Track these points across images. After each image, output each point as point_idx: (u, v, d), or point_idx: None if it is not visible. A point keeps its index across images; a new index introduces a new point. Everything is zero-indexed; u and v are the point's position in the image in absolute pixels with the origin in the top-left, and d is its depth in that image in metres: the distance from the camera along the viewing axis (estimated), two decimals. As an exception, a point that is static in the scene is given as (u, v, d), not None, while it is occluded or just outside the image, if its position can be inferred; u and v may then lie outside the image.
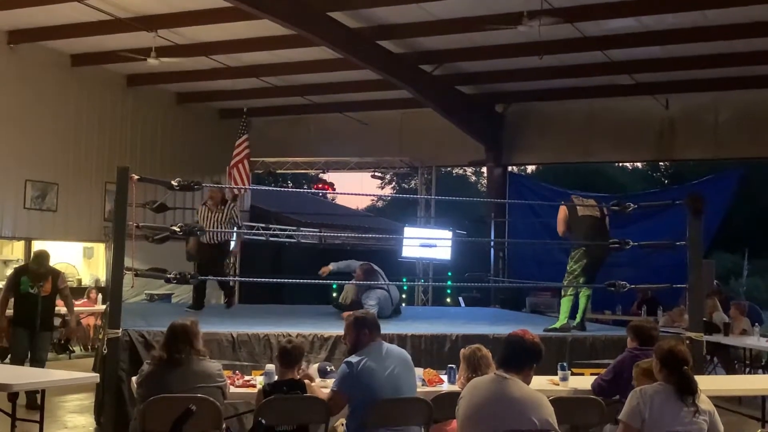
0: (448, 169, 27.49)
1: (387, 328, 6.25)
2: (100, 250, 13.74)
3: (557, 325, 7.60)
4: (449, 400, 4.34)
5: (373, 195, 33.34)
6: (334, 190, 17.36)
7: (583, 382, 5.47)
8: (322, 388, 4.82)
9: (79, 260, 13.96)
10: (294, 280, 8.28)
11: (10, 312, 7.90)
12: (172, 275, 6.49)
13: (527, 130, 14.26)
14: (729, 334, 9.78)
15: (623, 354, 5.25)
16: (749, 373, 9.74)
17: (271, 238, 14.00)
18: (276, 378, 4.78)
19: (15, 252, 12.92)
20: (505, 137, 14.38)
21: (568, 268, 7.81)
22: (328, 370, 5.43)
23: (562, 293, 7.92)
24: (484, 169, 16.27)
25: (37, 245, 11.34)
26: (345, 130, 15.15)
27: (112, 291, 6.27)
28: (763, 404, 6.22)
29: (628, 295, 10.13)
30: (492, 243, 14.44)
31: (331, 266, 9.02)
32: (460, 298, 14.02)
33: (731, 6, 9.57)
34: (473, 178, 31.59)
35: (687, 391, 3.91)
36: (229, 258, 13.18)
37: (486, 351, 4.94)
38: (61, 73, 12.77)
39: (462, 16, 10.26)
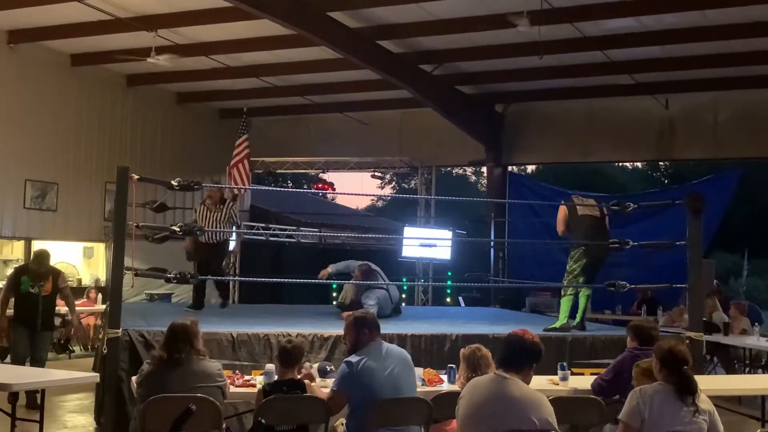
0: (448, 169, 27.50)
1: (387, 327, 6.25)
2: (100, 249, 13.74)
3: (557, 324, 7.59)
4: (449, 399, 4.34)
5: (373, 195, 33.39)
6: (334, 190, 17.31)
7: (582, 381, 5.47)
8: (322, 387, 4.82)
9: (79, 260, 13.97)
10: (294, 280, 8.29)
11: (10, 312, 7.89)
12: (172, 275, 6.48)
13: (527, 129, 14.26)
14: (729, 333, 9.78)
15: (623, 354, 5.25)
16: (749, 372, 9.74)
17: (271, 238, 14.00)
18: (276, 378, 4.79)
19: (15, 252, 12.93)
20: (505, 137, 14.39)
21: (567, 267, 7.81)
22: (328, 369, 5.43)
23: (562, 293, 7.92)
24: (484, 169, 16.28)
25: (37, 245, 11.34)
26: (345, 130, 15.15)
27: (112, 291, 6.27)
28: (762, 404, 6.22)
29: (628, 294, 10.13)
30: (492, 243, 14.45)
31: (330, 269, 8.98)
32: (460, 298, 14.01)
33: (731, 6, 9.58)
34: (473, 178, 31.62)
35: (687, 390, 3.91)
36: (229, 258, 13.23)
37: (486, 351, 4.94)
38: (60, 73, 12.77)
39: (462, 15, 10.27)
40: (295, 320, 7.89)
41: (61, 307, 8.79)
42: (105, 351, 6.09)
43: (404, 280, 12.75)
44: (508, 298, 13.07)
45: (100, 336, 8.42)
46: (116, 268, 6.15)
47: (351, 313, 4.96)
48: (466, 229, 16.41)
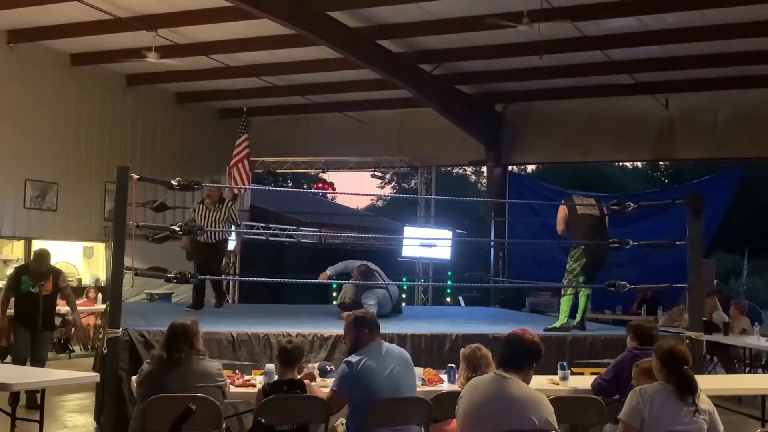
0: (448, 168, 27.50)
1: (387, 327, 6.25)
2: (99, 249, 13.74)
3: (557, 324, 7.59)
4: (449, 399, 4.34)
5: (373, 195, 33.40)
6: (334, 189, 17.34)
7: (582, 381, 5.47)
8: (322, 387, 4.82)
9: (79, 260, 13.97)
10: (294, 280, 8.28)
11: (10, 311, 7.88)
12: (172, 275, 6.48)
13: (527, 129, 14.26)
14: (729, 333, 9.79)
15: (623, 353, 5.25)
16: (749, 372, 9.74)
17: (271, 238, 14.00)
18: (276, 377, 4.79)
19: (15, 251, 12.94)
20: (504, 137, 14.39)
21: (567, 267, 7.80)
22: (328, 369, 5.43)
23: (562, 292, 7.92)
24: (484, 169, 16.28)
25: (37, 245, 11.34)
26: (345, 129, 15.15)
27: (112, 290, 6.27)
28: (762, 403, 6.22)
29: (628, 294, 10.13)
30: (492, 243, 14.45)
31: (329, 271, 8.94)
32: (460, 298, 14.01)
33: (730, 6, 9.58)
34: (473, 177, 31.61)
35: (687, 390, 3.91)
36: (228, 258, 13.22)
37: (486, 350, 4.94)
38: (60, 73, 12.77)
39: (461, 15, 10.27)
40: (295, 320, 7.89)
41: (61, 307, 8.79)
42: (105, 351, 6.09)
43: (404, 280, 12.75)
44: (508, 297, 13.08)
45: (100, 336, 8.43)
46: (116, 267, 6.15)
47: (351, 312, 4.96)
48: (466, 229, 16.43)
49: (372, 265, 8.93)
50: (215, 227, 8.74)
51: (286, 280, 8.78)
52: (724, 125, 13.02)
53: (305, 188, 23.20)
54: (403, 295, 12.61)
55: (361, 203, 31.44)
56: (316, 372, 5.32)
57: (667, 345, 4.15)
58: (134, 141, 14.10)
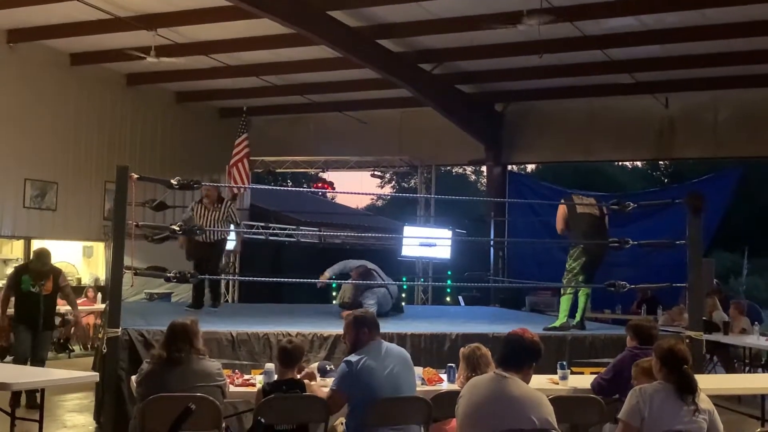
0: (448, 168, 27.49)
1: (387, 326, 6.26)
2: (99, 249, 13.75)
3: (557, 323, 7.59)
4: (449, 399, 4.34)
5: (373, 194, 33.40)
6: (334, 189, 17.38)
7: (582, 381, 5.46)
8: (322, 387, 4.82)
9: (79, 259, 13.98)
10: (294, 280, 8.28)
11: (11, 311, 7.88)
12: (171, 274, 6.48)
13: (527, 129, 14.26)
14: (729, 333, 9.78)
15: (623, 353, 5.25)
16: (749, 371, 9.74)
17: (271, 237, 14.00)
18: (275, 377, 4.78)
19: (14, 251, 12.94)
20: (504, 136, 14.39)
21: (567, 266, 7.80)
22: (328, 369, 5.43)
23: (562, 292, 7.92)
24: (484, 168, 16.27)
25: (37, 244, 11.34)
26: (345, 129, 15.16)
27: (111, 290, 6.27)
28: (762, 403, 6.21)
29: (628, 294, 10.10)
30: (492, 242, 14.44)
31: (327, 273, 8.91)
32: (460, 297, 14.02)
33: (730, 5, 9.58)
34: (473, 177, 31.60)
35: (687, 390, 3.91)
36: (228, 257, 13.22)
37: (485, 350, 4.94)
38: (60, 73, 12.76)
39: (461, 14, 10.26)
40: (295, 320, 7.89)
41: (61, 307, 8.78)
42: (104, 350, 6.09)
43: (404, 279, 12.74)
44: (507, 297, 13.08)
45: (100, 335, 8.43)
46: (116, 267, 6.15)
47: (350, 312, 4.96)
48: (466, 229, 16.41)
49: (370, 265, 8.92)
50: (214, 227, 8.73)
51: (286, 279, 8.77)
52: (724, 125, 13.02)
53: (305, 188, 23.21)
54: (403, 295, 12.61)
55: (360, 203, 31.49)
56: (316, 372, 5.31)
57: (666, 344, 4.15)
58: (134, 140, 14.10)
